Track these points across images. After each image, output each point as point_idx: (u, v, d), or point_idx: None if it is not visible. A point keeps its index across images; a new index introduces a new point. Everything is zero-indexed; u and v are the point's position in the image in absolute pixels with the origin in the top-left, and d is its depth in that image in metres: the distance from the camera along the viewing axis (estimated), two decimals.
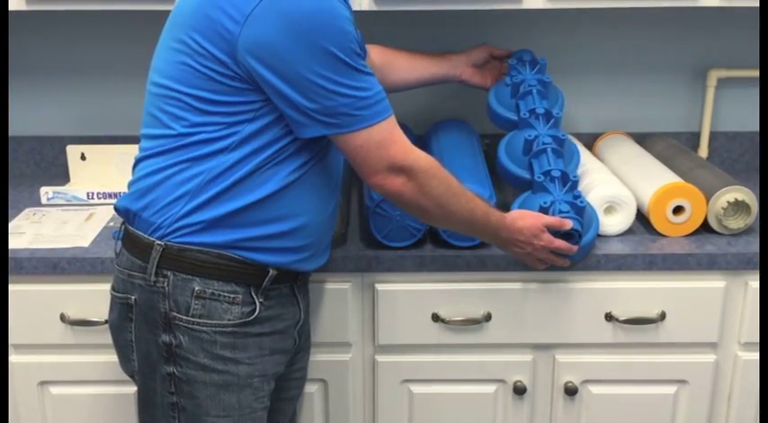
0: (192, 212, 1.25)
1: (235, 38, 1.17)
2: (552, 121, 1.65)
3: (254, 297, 1.30)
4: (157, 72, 1.28)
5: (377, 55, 1.71)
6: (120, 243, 1.35)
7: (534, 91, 1.69)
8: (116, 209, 1.34)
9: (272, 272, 1.30)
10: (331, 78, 1.19)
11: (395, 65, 1.75)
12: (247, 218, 1.26)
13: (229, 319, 1.28)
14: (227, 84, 1.21)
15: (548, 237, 1.45)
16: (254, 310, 1.30)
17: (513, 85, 1.72)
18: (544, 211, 1.49)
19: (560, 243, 1.46)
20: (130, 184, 1.32)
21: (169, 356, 1.29)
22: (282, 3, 1.16)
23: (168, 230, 1.26)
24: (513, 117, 1.71)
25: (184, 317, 1.27)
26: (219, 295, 1.27)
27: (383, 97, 1.25)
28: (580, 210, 1.50)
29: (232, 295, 1.28)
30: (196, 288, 1.26)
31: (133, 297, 1.29)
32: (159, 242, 1.26)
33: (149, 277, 1.27)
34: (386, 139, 1.24)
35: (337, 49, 1.18)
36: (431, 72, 1.78)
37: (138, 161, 1.32)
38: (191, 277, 1.26)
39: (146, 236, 1.27)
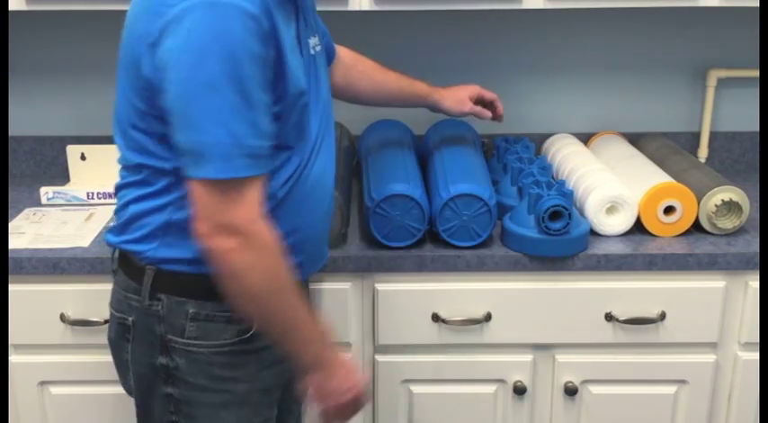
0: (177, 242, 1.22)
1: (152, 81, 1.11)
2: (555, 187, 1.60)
3: None
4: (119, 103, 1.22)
5: (346, 55, 1.62)
6: (116, 252, 1.32)
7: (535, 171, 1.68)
8: (107, 243, 1.30)
9: None
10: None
11: (364, 70, 1.64)
12: None
13: (226, 339, 1.26)
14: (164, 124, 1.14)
15: (348, 400, 1.28)
16: (251, 326, 1.26)
17: (512, 169, 1.70)
18: (534, 197, 1.54)
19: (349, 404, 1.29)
20: (115, 212, 1.29)
21: (167, 378, 1.27)
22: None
23: (156, 258, 1.23)
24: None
25: (180, 339, 1.25)
26: (214, 316, 1.25)
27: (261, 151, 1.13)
28: (566, 194, 1.54)
29: (227, 314, 1.24)
30: (190, 310, 1.24)
31: (131, 318, 1.27)
32: (150, 267, 1.24)
33: (144, 301, 1.25)
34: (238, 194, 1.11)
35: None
36: (404, 84, 1.67)
37: (117, 188, 1.28)
38: (184, 300, 1.24)
39: (137, 260, 1.25)
